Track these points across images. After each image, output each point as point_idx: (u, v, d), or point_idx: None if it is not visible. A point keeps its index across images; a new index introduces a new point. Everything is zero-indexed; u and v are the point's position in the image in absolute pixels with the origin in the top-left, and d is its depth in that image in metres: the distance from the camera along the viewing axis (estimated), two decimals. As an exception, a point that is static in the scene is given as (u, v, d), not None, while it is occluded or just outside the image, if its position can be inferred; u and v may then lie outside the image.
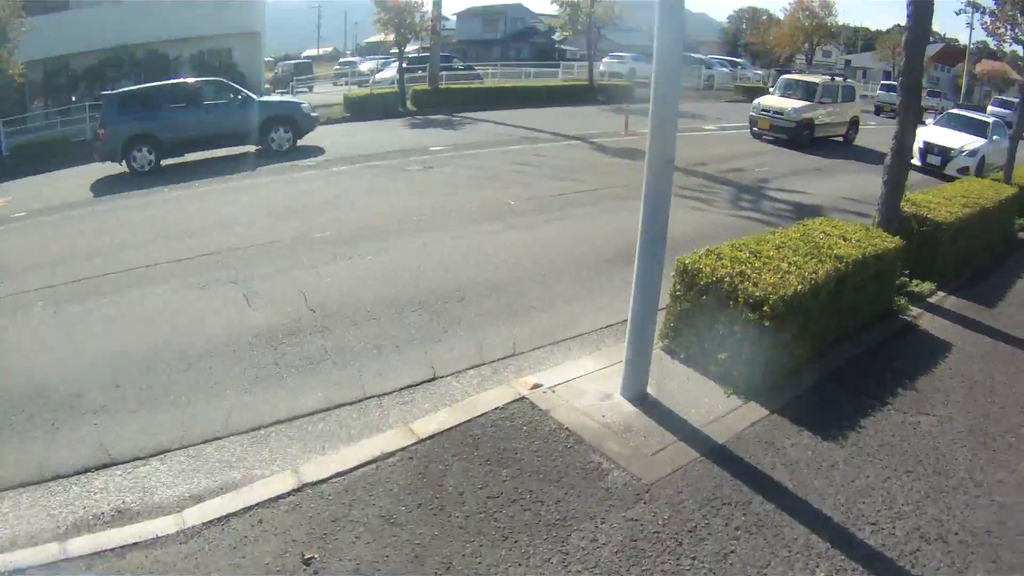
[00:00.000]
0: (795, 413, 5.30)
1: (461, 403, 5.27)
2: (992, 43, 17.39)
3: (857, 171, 17.41)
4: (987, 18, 12.91)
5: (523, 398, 5.21)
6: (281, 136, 17.60)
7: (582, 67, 39.06)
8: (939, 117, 22.02)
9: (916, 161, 16.35)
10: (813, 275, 5.65)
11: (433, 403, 5.40)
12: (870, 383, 6.02)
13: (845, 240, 6.70)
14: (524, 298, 7.54)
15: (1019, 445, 5.36)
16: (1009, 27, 13.27)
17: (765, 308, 5.09)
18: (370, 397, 5.49)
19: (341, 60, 61.68)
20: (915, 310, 7.87)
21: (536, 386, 5.38)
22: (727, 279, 5.50)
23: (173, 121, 16.41)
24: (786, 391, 5.58)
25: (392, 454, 4.48)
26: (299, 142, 17.88)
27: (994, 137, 19.23)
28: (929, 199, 9.31)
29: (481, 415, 4.97)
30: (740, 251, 6.06)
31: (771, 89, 26.78)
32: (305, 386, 5.61)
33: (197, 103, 17.15)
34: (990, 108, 43.44)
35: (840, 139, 22.67)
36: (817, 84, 22.04)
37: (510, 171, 14.66)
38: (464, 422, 4.87)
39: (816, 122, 21.18)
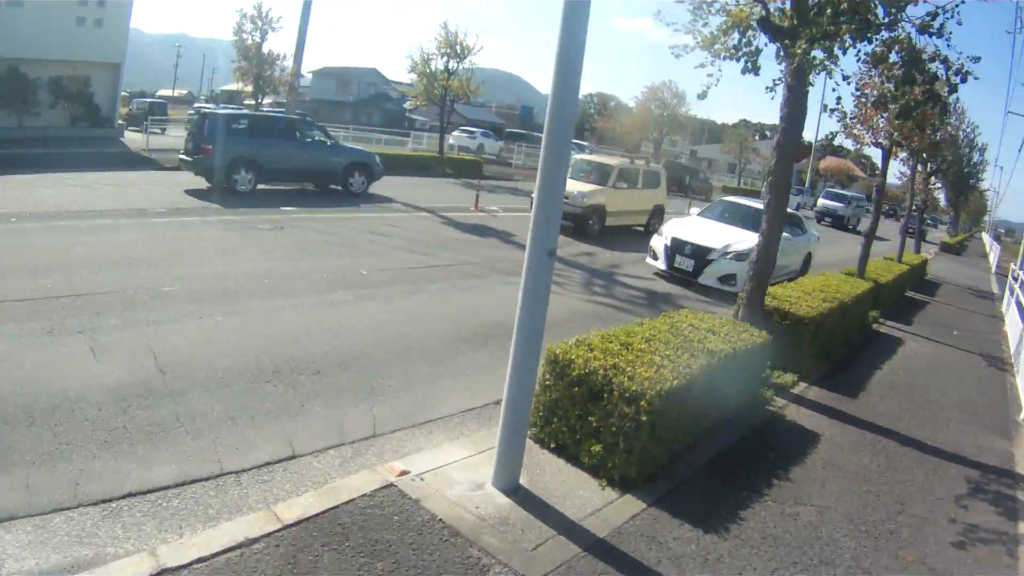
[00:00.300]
0: (674, 506, 5.63)
1: (326, 487, 5.28)
2: (850, 145, 18.61)
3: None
4: (848, 120, 14.17)
5: (391, 485, 5.28)
6: (358, 179, 21.78)
7: (432, 138, 40.58)
8: (706, 208, 18.90)
9: (661, 265, 15.68)
10: (687, 369, 6.08)
11: (294, 484, 5.39)
12: (745, 474, 6.51)
13: (714, 334, 7.26)
14: (382, 375, 7.65)
15: (900, 532, 5.97)
16: (869, 131, 14.67)
17: (642, 403, 5.42)
18: (227, 473, 5.41)
19: (195, 105, 61.01)
20: (780, 401, 8.58)
21: (404, 473, 5.47)
22: (601, 372, 5.82)
23: (275, 150, 19.64)
24: (662, 483, 5.93)
25: (257, 540, 4.44)
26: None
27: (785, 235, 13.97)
28: (789, 293, 10.15)
29: (348, 501, 4.99)
30: (610, 342, 6.44)
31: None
32: (158, 455, 5.49)
33: (295, 139, 20.81)
34: (820, 200, 49.44)
35: (640, 229, 22.35)
36: (612, 167, 21.21)
37: (362, 239, 14.85)
38: (331, 508, 4.88)
39: (608, 209, 20.35)
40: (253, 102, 28.12)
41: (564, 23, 4.77)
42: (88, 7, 31.88)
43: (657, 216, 22.45)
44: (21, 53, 29.67)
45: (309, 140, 21.14)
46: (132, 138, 32.89)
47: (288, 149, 20.10)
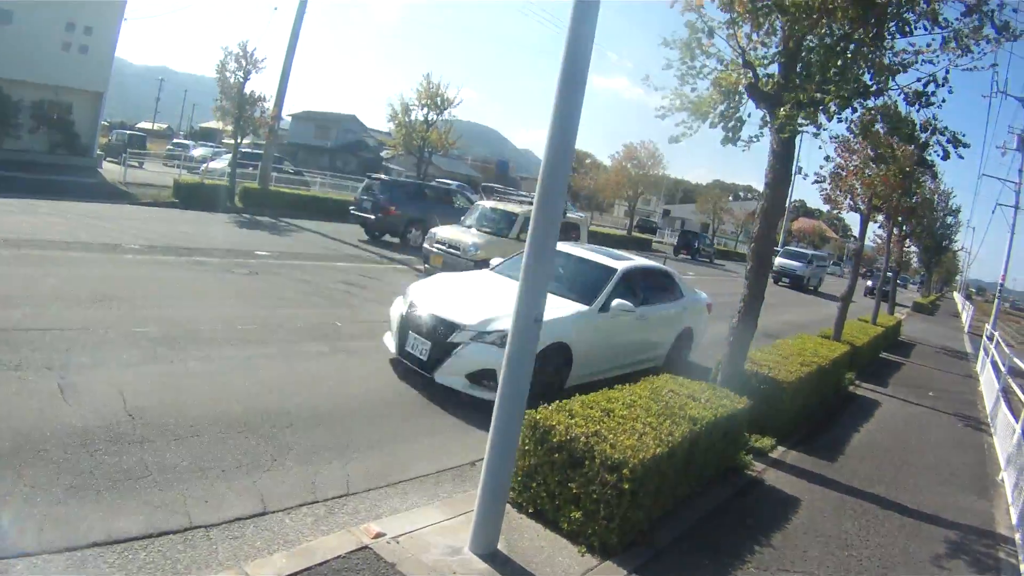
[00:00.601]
0: (655, 573, 5.60)
1: (299, 547, 5.17)
2: (827, 209, 18.78)
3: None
4: (826, 186, 14.39)
5: (366, 547, 5.19)
6: None
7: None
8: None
9: (391, 347, 9.87)
10: (669, 437, 6.08)
11: (265, 541, 5.27)
12: (725, 541, 6.48)
13: (695, 400, 7.29)
14: (355, 432, 7.55)
15: None
16: (847, 196, 14.90)
17: (624, 471, 5.40)
18: (197, 527, 5.27)
19: (174, 140, 61.58)
20: (759, 465, 8.58)
21: (379, 535, 5.38)
22: (582, 439, 5.80)
23: (436, 213, 23.68)
24: (642, 550, 5.89)
25: (228, 600, 4.34)
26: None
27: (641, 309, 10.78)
28: (767, 357, 10.23)
29: (322, 563, 4.89)
30: (591, 408, 6.43)
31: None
32: (126, 504, 5.35)
33: (450, 204, 25.86)
34: (777, 259, 43.00)
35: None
36: (516, 215, 18.52)
37: (337, 289, 14.78)
38: (304, 569, 4.78)
39: None
40: (232, 141, 28.14)
41: (560, 93, 4.83)
42: (75, 33, 32.07)
43: None
44: (5, 74, 29.90)
45: (458, 204, 25.93)
46: (109, 169, 32.83)
47: (447, 212, 24.05)
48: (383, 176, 29.82)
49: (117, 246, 15.10)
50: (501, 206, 19.74)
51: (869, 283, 51.92)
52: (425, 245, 18.64)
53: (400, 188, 25.41)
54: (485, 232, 18.08)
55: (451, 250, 17.27)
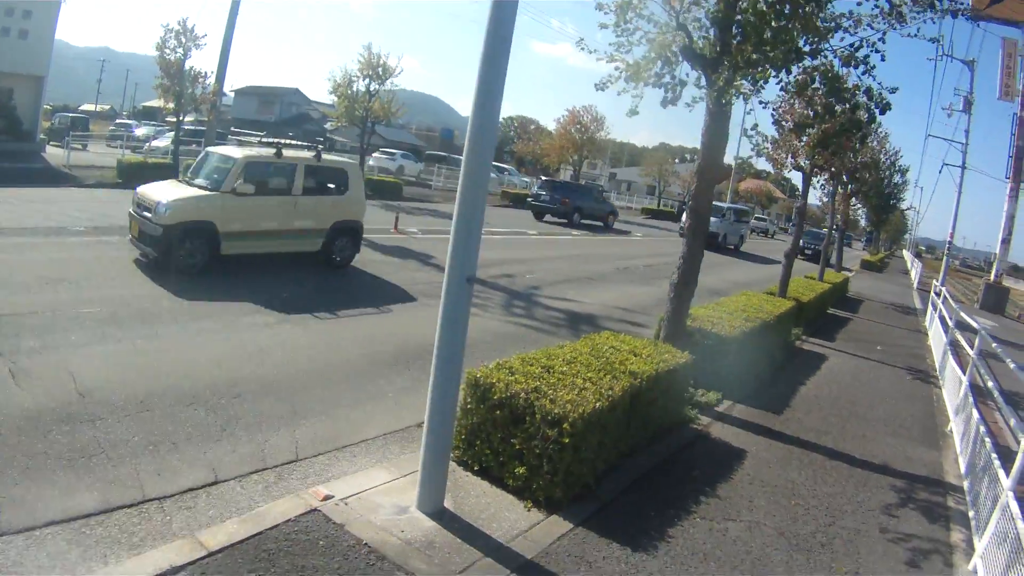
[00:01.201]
0: (601, 526, 5.74)
1: (250, 513, 5.27)
2: (774, 171, 19.00)
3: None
4: (767, 145, 14.58)
5: (315, 510, 5.30)
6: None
7: (352, 158, 40.48)
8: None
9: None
10: (609, 391, 6.23)
11: (218, 510, 5.37)
12: (671, 493, 6.65)
13: (636, 355, 7.44)
14: (303, 399, 7.64)
15: (832, 544, 6.15)
16: (789, 156, 15.12)
17: (565, 426, 5.54)
18: (150, 500, 5.36)
19: (117, 121, 60.30)
20: (705, 419, 8.78)
21: (327, 497, 5.49)
22: (523, 395, 5.93)
23: (590, 203, 39.55)
24: (588, 503, 6.04)
25: (181, 568, 4.42)
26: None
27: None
28: (711, 313, 10.43)
29: (273, 527, 4.99)
30: (531, 365, 6.57)
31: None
32: (80, 482, 5.41)
33: (593, 196, 40.98)
34: (685, 214, 41.17)
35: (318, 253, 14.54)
36: (234, 160, 13.14)
37: (282, 261, 14.46)
38: (255, 534, 4.87)
39: (223, 228, 12.52)
40: (174, 119, 27.72)
41: (485, 53, 4.91)
42: (14, 17, 31.33)
43: (347, 238, 14.89)
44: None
45: (596, 197, 41.32)
46: (53, 153, 32.17)
47: (592, 201, 39.87)
48: (554, 179, 43.31)
49: (63, 229, 14.90)
50: (223, 151, 14.33)
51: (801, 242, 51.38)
52: (130, 209, 13.26)
53: (568, 186, 41.08)
54: (196, 186, 13.18)
55: (144, 214, 12.51)
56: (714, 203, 33.98)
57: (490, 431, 6.06)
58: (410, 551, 4.95)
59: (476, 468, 6.21)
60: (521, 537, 5.38)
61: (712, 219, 33.22)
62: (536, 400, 5.83)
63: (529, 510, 5.74)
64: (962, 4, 8.21)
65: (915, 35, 8.25)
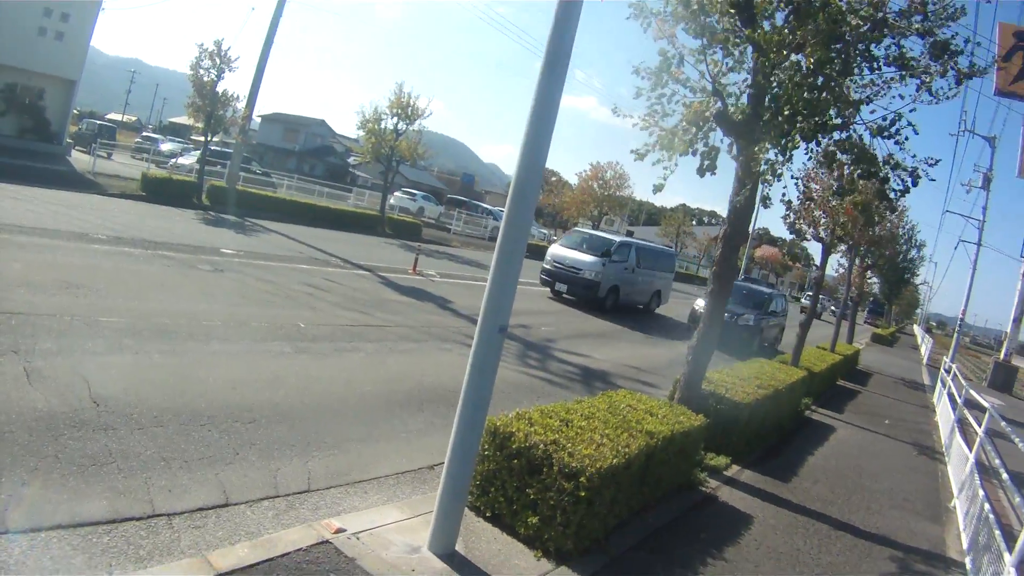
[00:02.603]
0: (610, 581, 5.75)
1: (261, 538, 5.30)
2: (790, 237, 19.12)
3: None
4: (790, 214, 14.74)
5: (327, 542, 5.33)
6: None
7: (373, 195, 41.21)
8: None
9: None
10: (626, 449, 6.29)
11: (227, 532, 5.39)
12: (679, 552, 6.69)
13: (652, 415, 7.52)
14: (317, 431, 7.68)
15: None
16: (810, 226, 15.25)
17: (582, 479, 5.61)
18: (159, 515, 5.37)
19: (144, 134, 61.08)
20: (713, 482, 8.82)
21: (340, 530, 5.53)
22: (541, 446, 6.00)
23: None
24: (597, 557, 6.09)
25: (189, 589, 4.44)
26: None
27: None
28: (725, 379, 10.46)
29: (284, 555, 5.02)
30: (550, 418, 6.63)
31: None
32: (90, 489, 5.44)
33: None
34: (551, 250, 25.82)
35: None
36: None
37: (301, 291, 14.81)
38: (265, 560, 4.89)
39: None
40: (201, 138, 28.09)
41: (534, 110, 5.05)
42: (52, 19, 31.84)
43: None
44: (-21, 54, 29.58)
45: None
46: (78, 158, 32.56)
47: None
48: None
49: (85, 235, 15.10)
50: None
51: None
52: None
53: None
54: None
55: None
56: (599, 234, 26.89)
57: (506, 479, 6.12)
58: (420, 591, 4.98)
59: (488, 514, 6.25)
60: (530, 586, 5.41)
61: (586, 259, 23.88)
62: (555, 452, 5.89)
63: (539, 559, 5.78)
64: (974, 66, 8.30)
65: (936, 102, 8.33)
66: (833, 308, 44.19)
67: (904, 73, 8.18)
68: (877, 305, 71.44)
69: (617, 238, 26.17)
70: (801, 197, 14.45)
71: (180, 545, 5.08)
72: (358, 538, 5.50)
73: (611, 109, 9.17)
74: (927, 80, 8.06)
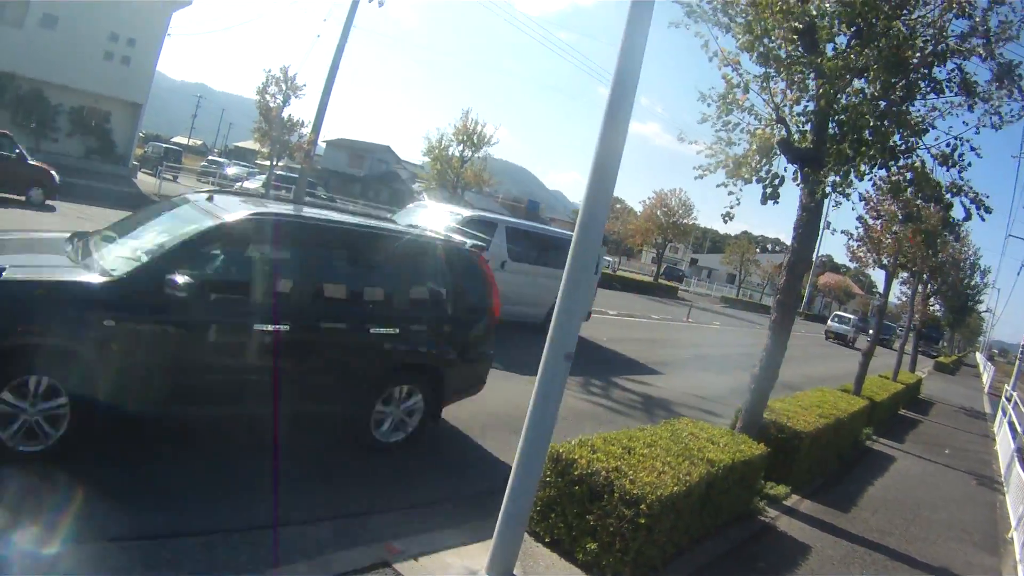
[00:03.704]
0: (666, 608, 5.68)
1: (320, 558, 5.30)
2: (852, 266, 18.99)
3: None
4: (853, 243, 14.59)
5: (386, 563, 5.33)
6: None
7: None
8: None
9: None
10: (687, 477, 6.21)
11: (286, 551, 5.33)
12: (738, 582, 6.53)
13: (713, 444, 7.42)
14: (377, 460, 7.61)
15: None
16: (873, 253, 15.03)
17: (642, 507, 5.55)
18: (216, 531, 5.36)
19: (209, 157, 62.50)
20: (772, 512, 8.67)
21: (399, 552, 5.54)
22: (603, 473, 5.95)
23: None
24: (654, 585, 5.98)
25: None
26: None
27: None
28: (786, 407, 10.33)
29: (343, 574, 5.05)
30: (612, 445, 6.57)
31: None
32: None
33: None
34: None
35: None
36: None
37: None
38: (325, 580, 4.87)
39: None
40: (267, 163, 28.60)
41: (602, 136, 5.06)
42: (118, 43, 32.83)
43: None
44: (47, 76, 30.73)
45: None
46: (144, 180, 33.34)
47: None
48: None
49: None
50: None
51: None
52: None
53: None
54: None
55: None
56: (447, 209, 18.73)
57: (566, 505, 6.07)
58: (479, 614, 4.95)
59: (547, 540, 6.21)
60: (588, 611, 5.35)
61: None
62: (616, 479, 5.84)
63: (597, 586, 5.72)
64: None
65: (1000, 127, 8.14)
66: (884, 335, 44.67)
67: (969, 100, 8.04)
68: (933, 330, 70.10)
69: (470, 212, 18.42)
70: (863, 224, 14.26)
71: (239, 561, 5.07)
72: (416, 560, 5.50)
73: (676, 136, 9.16)
74: (994, 104, 7.91)
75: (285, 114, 26.89)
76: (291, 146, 27.67)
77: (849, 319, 52.86)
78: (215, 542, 5.26)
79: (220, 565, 4.98)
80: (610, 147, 5.10)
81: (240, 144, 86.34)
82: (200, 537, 5.25)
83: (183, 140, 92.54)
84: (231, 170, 48.55)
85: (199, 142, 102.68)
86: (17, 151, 20.06)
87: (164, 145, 53.35)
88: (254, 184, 37.38)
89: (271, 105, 26.53)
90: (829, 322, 53.90)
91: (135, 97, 34.55)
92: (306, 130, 28.01)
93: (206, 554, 5.08)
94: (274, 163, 28.24)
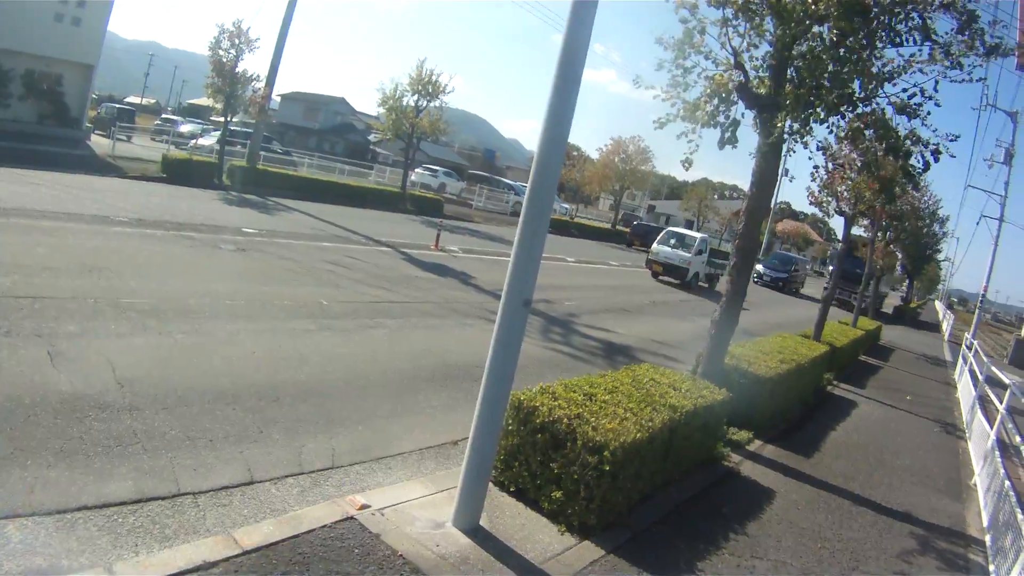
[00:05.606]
0: (632, 554, 5.78)
1: (286, 515, 5.31)
2: (815, 212, 19.04)
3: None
4: (813, 187, 14.67)
5: (352, 518, 5.34)
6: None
7: (395, 172, 41.15)
8: None
9: None
10: (649, 423, 6.27)
11: (252, 510, 5.41)
12: (701, 527, 6.70)
13: (675, 389, 7.48)
14: (341, 407, 7.70)
15: None
16: (833, 199, 15.13)
17: (605, 453, 5.59)
18: (184, 494, 5.40)
19: (163, 116, 61.23)
20: (736, 457, 8.81)
21: (364, 506, 5.53)
22: (565, 421, 5.98)
23: None
24: (620, 532, 6.08)
25: (215, 564, 4.44)
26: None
27: None
28: (747, 353, 10.42)
29: (309, 531, 5.03)
30: (574, 392, 6.61)
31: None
32: (115, 470, 5.46)
33: None
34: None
35: None
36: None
37: (323, 269, 14.85)
38: (291, 537, 4.91)
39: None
40: (221, 119, 28.17)
41: (556, 84, 5.00)
42: (68, 5, 31.87)
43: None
44: (-1, 42, 29.68)
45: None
46: (98, 142, 32.68)
47: None
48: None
49: (106, 218, 15.17)
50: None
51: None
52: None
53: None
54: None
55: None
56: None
57: (529, 454, 6.11)
58: (444, 565, 4.99)
59: (512, 489, 6.25)
60: (554, 560, 5.42)
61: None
62: (578, 427, 5.87)
63: (563, 534, 5.78)
64: (1002, 40, 8.17)
65: (961, 81, 8.19)
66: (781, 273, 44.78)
67: (930, 45, 8.04)
68: (856, 263, 68.32)
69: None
70: (821, 170, 14.34)
71: (206, 523, 5.11)
72: (382, 514, 5.51)
73: (632, 80, 9.06)
74: (954, 53, 7.92)
75: (239, 68, 26.41)
76: (245, 101, 27.25)
77: (695, 239, 30.56)
78: (183, 505, 5.27)
79: (188, 528, 4.99)
80: (564, 97, 5.06)
81: (194, 101, 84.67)
82: (167, 500, 5.25)
83: (136, 100, 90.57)
84: (185, 128, 47.39)
85: (153, 101, 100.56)
86: None
87: (117, 106, 52.16)
88: (208, 141, 36.81)
89: (224, 60, 26.04)
90: (656, 246, 30.31)
91: (87, 59, 33.46)
92: (260, 84, 27.61)
93: (175, 517, 5.08)
94: (228, 119, 27.76)
